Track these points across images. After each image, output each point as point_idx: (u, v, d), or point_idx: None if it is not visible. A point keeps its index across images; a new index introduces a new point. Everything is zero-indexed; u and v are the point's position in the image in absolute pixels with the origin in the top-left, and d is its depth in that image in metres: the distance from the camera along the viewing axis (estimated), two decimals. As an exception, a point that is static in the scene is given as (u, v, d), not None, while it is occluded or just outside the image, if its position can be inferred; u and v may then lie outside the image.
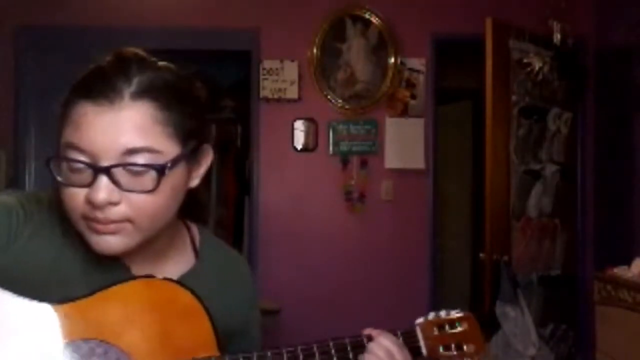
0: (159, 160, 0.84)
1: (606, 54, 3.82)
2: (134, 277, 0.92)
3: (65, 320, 0.86)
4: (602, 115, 3.85)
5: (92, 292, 0.87)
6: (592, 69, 3.88)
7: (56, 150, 0.86)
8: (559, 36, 3.39)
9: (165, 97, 0.86)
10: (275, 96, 3.77)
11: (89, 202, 0.83)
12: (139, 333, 0.88)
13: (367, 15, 3.81)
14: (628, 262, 2.90)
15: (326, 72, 3.80)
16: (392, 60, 3.80)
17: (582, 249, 3.86)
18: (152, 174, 0.84)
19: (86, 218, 0.85)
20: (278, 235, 3.81)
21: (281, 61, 3.77)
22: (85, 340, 0.86)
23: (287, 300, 3.57)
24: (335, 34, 3.81)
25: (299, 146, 3.82)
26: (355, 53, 3.81)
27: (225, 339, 0.94)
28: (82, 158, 0.83)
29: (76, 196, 0.84)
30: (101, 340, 0.87)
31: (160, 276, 0.93)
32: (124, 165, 0.83)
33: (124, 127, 0.82)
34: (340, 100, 3.81)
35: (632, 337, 2.66)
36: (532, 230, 3.35)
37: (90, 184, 0.83)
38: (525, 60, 3.29)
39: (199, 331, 0.91)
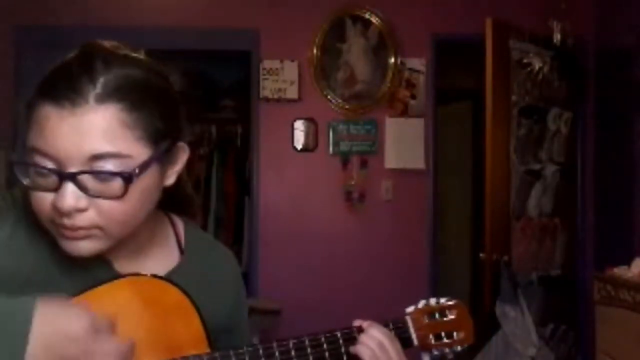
0: (128, 164, 0.81)
1: (606, 54, 3.82)
2: (120, 276, 0.90)
3: None
4: (602, 115, 3.85)
5: (77, 293, 0.86)
6: (592, 69, 3.88)
7: (22, 152, 0.83)
8: (559, 36, 3.39)
9: (133, 98, 0.81)
10: (275, 96, 3.77)
11: (55, 208, 0.80)
12: (127, 332, 0.87)
13: (367, 15, 3.81)
14: (628, 262, 2.90)
15: (326, 72, 3.80)
16: (392, 60, 3.80)
17: (582, 249, 3.86)
18: (120, 180, 0.80)
19: (54, 223, 0.83)
20: (278, 235, 3.81)
21: (281, 61, 3.77)
22: None
23: (287, 300, 3.57)
24: (335, 34, 3.80)
25: (299, 146, 3.82)
26: (355, 53, 3.81)
27: (213, 335, 0.93)
28: (47, 163, 0.79)
29: (43, 200, 0.81)
30: None
31: (147, 272, 0.93)
32: (90, 172, 0.79)
33: (88, 132, 0.78)
34: (340, 100, 3.81)
35: (632, 337, 2.65)
36: (532, 230, 3.35)
37: (56, 189, 0.80)
38: (525, 60, 3.29)
39: (188, 328, 0.91)
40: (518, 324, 3.00)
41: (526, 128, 3.32)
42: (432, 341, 1.09)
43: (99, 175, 0.80)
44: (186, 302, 0.91)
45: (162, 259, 0.98)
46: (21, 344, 0.71)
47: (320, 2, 3.82)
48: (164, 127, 0.85)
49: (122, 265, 0.93)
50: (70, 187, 0.79)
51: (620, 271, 2.87)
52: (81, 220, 0.81)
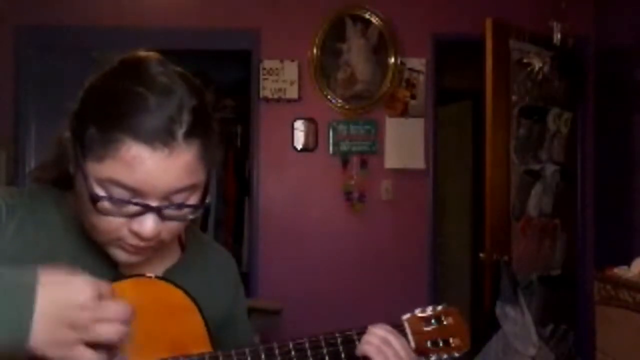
0: (197, 190, 0.87)
1: (606, 54, 3.82)
2: (123, 276, 0.92)
3: None
4: (602, 115, 3.85)
5: None
6: (592, 69, 3.88)
7: (85, 174, 0.83)
8: (559, 36, 3.39)
9: (206, 132, 0.86)
10: (275, 96, 3.77)
11: (136, 234, 0.84)
12: (131, 332, 0.88)
13: (367, 15, 3.81)
14: (628, 262, 2.90)
15: (326, 72, 3.80)
16: (392, 60, 3.80)
17: (582, 249, 3.86)
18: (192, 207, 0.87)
19: (120, 240, 0.86)
20: (278, 235, 3.82)
21: (281, 61, 3.77)
22: None
23: (287, 300, 3.57)
24: (335, 34, 3.80)
25: (299, 146, 3.82)
26: (355, 53, 3.81)
27: (213, 330, 0.95)
28: (127, 194, 0.83)
29: (115, 224, 0.85)
30: None
31: (148, 270, 0.95)
32: (177, 205, 0.85)
33: (178, 171, 0.83)
34: (340, 100, 3.81)
35: (632, 337, 2.66)
36: (532, 230, 3.35)
37: (132, 216, 0.84)
38: (525, 60, 3.29)
39: (191, 327, 0.92)
40: (518, 324, 3.00)
41: (526, 128, 3.32)
42: (429, 347, 1.10)
43: (177, 206, 0.85)
44: (188, 302, 0.92)
45: (166, 255, 1.00)
46: (28, 314, 0.70)
47: (320, 2, 3.82)
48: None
49: (128, 265, 0.94)
50: (151, 216, 0.84)
51: (620, 271, 2.87)
52: (153, 239, 0.86)
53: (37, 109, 3.65)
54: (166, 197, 0.84)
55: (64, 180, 0.95)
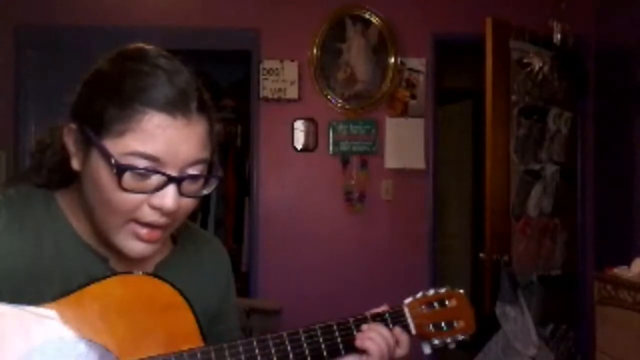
0: (205, 167, 0.90)
1: (606, 54, 3.82)
2: (113, 274, 0.91)
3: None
4: (602, 115, 3.85)
5: (71, 291, 0.86)
6: (592, 69, 3.88)
7: (106, 153, 0.84)
8: (559, 36, 3.38)
9: (210, 111, 0.91)
10: (275, 96, 3.77)
11: (157, 208, 0.86)
12: (121, 330, 0.88)
13: (367, 15, 3.81)
14: (628, 262, 2.90)
15: (326, 72, 3.80)
16: (392, 60, 3.80)
17: (582, 249, 3.86)
18: (202, 180, 0.90)
19: (138, 222, 0.87)
20: (278, 235, 3.81)
21: (281, 61, 3.77)
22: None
23: (287, 300, 3.57)
24: (335, 34, 3.80)
25: (299, 146, 3.82)
26: (355, 53, 3.81)
27: (204, 322, 0.94)
28: (149, 166, 0.84)
29: (136, 201, 0.86)
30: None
31: (140, 264, 0.95)
32: (197, 176, 0.88)
33: (196, 140, 0.87)
34: (340, 100, 3.80)
35: (632, 337, 2.66)
36: (532, 230, 3.35)
37: (152, 191, 0.85)
38: (525, 60, 3.28)
39: (181, 324, 0.91)
40: (518, 324, 3.00)
41: (526, 128, 3.32)
42: (432, 330, 1.08)
43: (195, 177, 0.88)
44: (178, 297, 0.91)
45: (158, 249, 0.99)
46: None
47: (320, 2, 3.82)
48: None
49: (118, 261, 0.94)
50: (172, 189, 0.86)
51: (620, 271, 2.87)
52: (172, 214, 0.88)
53: (37, 109, 3.65)
54: (183, 169, 0.86)
55: (50, 184, 0.96)
